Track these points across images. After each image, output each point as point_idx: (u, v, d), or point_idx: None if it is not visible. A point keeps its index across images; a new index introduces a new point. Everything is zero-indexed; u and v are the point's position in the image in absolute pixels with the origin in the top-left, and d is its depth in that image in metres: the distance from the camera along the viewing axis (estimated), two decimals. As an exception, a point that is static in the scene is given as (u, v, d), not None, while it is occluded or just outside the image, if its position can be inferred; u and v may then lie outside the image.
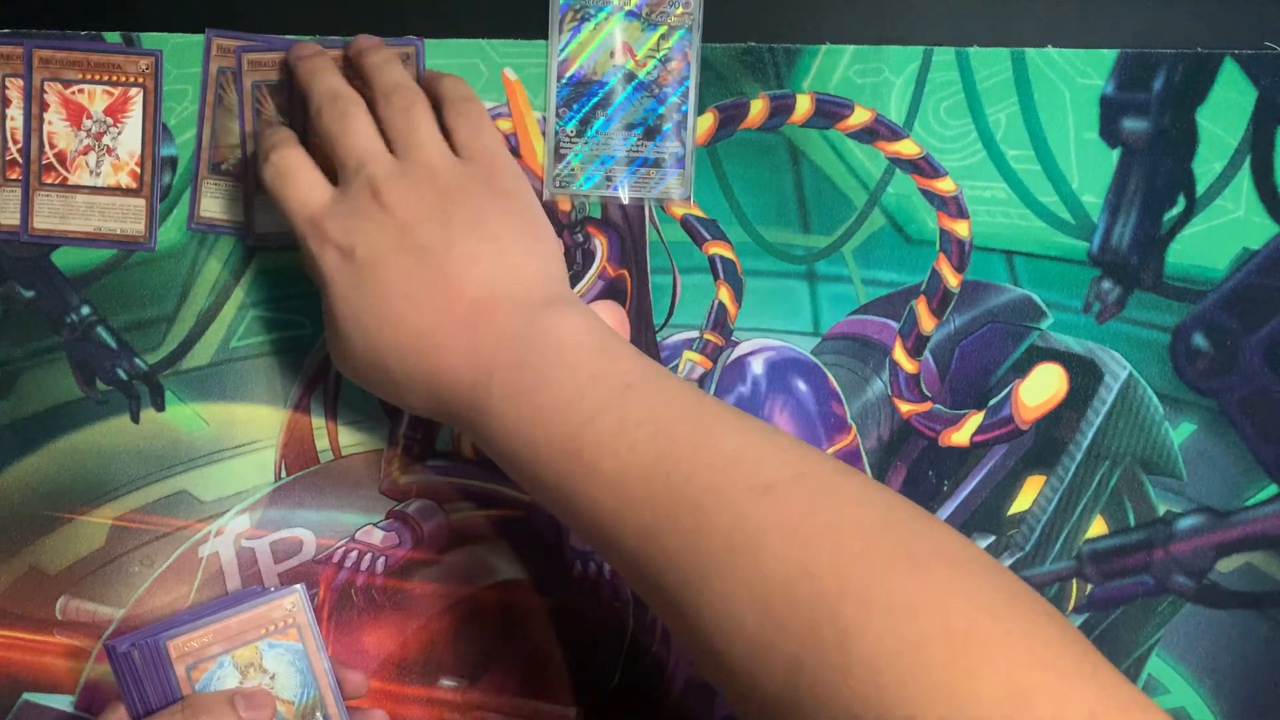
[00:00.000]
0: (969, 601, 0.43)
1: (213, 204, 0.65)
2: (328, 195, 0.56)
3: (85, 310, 0.66)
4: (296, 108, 0.64)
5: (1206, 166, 0.63)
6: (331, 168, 0.57)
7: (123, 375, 0.66)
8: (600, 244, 0.65)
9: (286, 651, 0.57)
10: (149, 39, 0.65)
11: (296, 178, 0.57)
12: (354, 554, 0.66)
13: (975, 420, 0.64)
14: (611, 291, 0.65)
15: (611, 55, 0.63)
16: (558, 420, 0.50)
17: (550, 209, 0.64)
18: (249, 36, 0.64)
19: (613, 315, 0.65)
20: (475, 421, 0.53)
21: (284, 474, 0.66)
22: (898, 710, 0.41)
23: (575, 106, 0.63)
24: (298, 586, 0.58)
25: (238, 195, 0.65)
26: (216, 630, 0.56)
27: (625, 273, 0.65)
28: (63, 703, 0.66)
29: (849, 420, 0.65)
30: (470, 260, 0.54)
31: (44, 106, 0.65)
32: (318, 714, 0.57)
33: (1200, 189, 0.63)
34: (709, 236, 0.64)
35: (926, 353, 0.64)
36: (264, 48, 0.64)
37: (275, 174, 0.57)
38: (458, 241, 0.54)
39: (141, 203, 0.65)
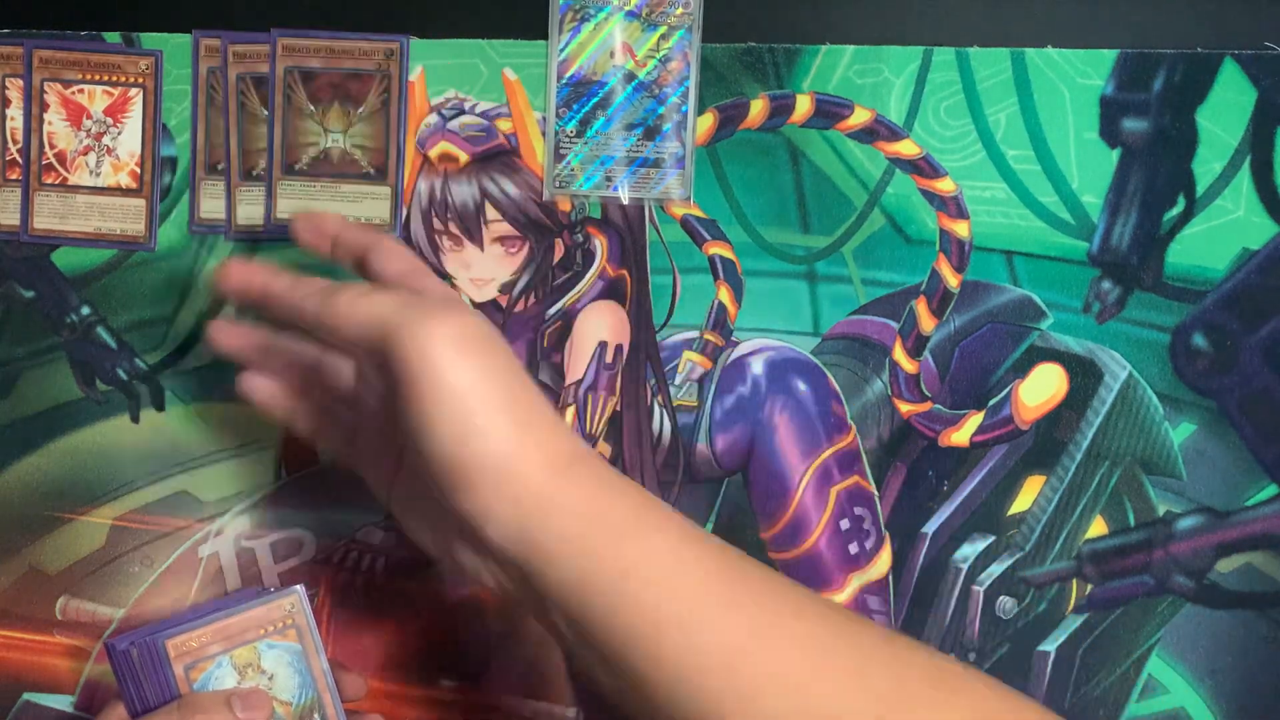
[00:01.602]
0: None
1: (211, 205, 0.65)
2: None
3: (85, 310, 0.66)
4: (281, 102, 0.64)
5: (1206, 166, 0.63)
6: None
7: (123, 375, 0.66)
8: (600, 244, 0.65)
9: (285, 652, 0.57)
10: (149, 39, 0.65)
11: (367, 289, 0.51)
12: (354, 554, 0.66)
13: (975, 420, 0.64)
14: (611, 291, 0.65)
15: (611, 55, 0.63)
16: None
17: (550, 209, 0.65)
18: (235, 35, 0.64)
19: (613, 315, 0.65)
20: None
21: (284, 474, 0.66)
22: None
23: (575, 106, 0.63)
24: (297, 587, 0.58)
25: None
26: (216, 630, 0.56)
27: (625, 273, 0.65)
28: (63, 703, 0.66)
29: (849, 420, 0.65)
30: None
31: (44, 106, 0.65)
32: (316, 716, 0.57)
33: (1200, 189, 0.63)
34: (709, 236, 0.64)
35: (926, 353, 0.64)
36: (248, 40, 0.64)
37: (354, 295, 0.50)
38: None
39: (141, 203, 0.65)
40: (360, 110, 0.64)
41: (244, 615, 0.57)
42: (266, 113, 0.64)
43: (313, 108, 0.64)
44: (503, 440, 0.46)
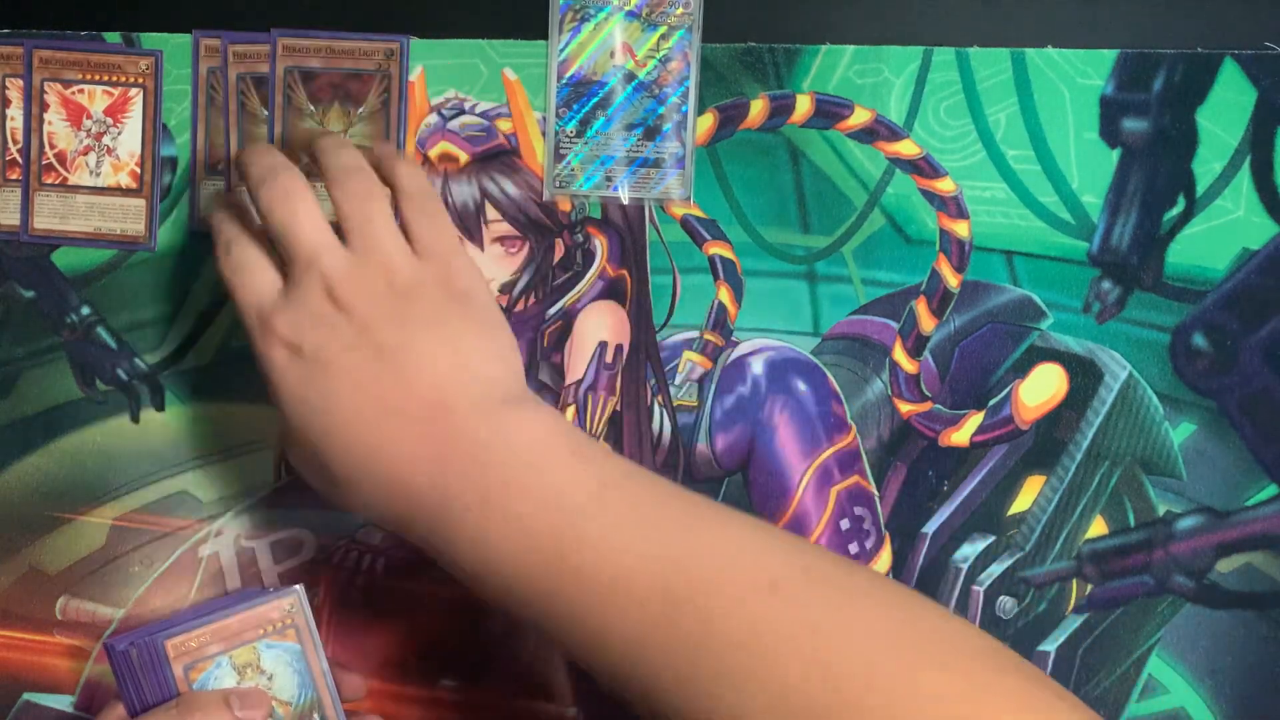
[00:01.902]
0: (995, 691, 0.43)
1: (212, 205, 0.65)
2: (277, 290, 0.53)
3: (85, 310, 0.66)
4: (281, 102, 0.64)
5: (1206, 166, 0.63)
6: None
7: (123, 375, 0.66)
8: (600, 244, 0.65)
9: (285, 652, 0.57)
10: (149, 39, 0.65)
11: (252, 273, 0.54)
12: (354, 554, 0.66)
13: (975, 420, 0.64)
14: (611, 291, 0.65)
15: (611, 55, 0.63)
16: (534, 525, 0.48)
17: (550, 209, 0.65)
18: (235, 35, 0.64)
19: (613, 315, 0.65)
20: (436, 529, 0.50)
21: (284, 474, 0.66)
22: None
23: (575, 106, 0.63)
24: (297, 587, 0.58)
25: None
26: (215, 630, 0.56)
27: (625, 273, 0.65)
28: (63, 703, 0.66)
29: (849, 420, 0.65)
30: (427, 360, 0.51)
31: (44, 106, 0.65)
32: (315, 716, 0.57)
33: (1200, 189, 0.63)
34: (709, 236, 0.64)
35: (926, 353, 0.64)
36: (248, 40, 0.64)
37: (233, 268, 0.54)
38: (415, 341, 0.51)
39: (141, 203, 0.65)
40: (360, 110, 0.64)
41: (243, 615, 0.57)
42: (266, 113, 0.64)
43: (313, 108, 0.64)
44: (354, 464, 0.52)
